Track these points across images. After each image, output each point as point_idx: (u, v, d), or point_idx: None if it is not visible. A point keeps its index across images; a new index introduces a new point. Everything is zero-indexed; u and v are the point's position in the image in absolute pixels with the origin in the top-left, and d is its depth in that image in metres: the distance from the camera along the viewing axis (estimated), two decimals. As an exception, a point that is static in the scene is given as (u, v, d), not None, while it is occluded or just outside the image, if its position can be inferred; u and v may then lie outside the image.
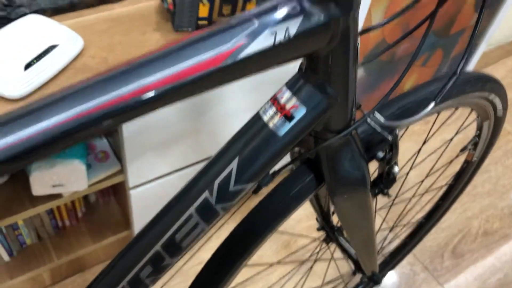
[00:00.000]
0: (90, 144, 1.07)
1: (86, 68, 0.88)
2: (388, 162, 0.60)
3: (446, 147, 0.90)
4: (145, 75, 0.34)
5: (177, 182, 1.16)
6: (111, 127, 0.35)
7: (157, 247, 0.49)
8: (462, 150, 0.97)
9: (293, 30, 0.37)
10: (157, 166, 1.09)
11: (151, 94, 0.34)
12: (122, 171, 1.05)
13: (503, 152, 1.77)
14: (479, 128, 0.93)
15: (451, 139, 0.89)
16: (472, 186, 1.64)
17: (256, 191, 0.52)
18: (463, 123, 0.85)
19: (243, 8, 0.95)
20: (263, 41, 0.36)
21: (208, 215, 0.48)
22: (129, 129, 0.95)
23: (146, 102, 0.34)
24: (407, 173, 0.94)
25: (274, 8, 0.37)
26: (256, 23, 0.37)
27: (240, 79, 0.38)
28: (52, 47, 0.86)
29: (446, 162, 0.95)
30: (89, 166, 1.02)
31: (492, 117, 0.88)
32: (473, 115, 0.87)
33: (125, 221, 1.25)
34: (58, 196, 0.99)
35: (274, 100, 0.47)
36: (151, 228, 0.50)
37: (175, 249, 0.49)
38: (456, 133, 0.88)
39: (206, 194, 0.48)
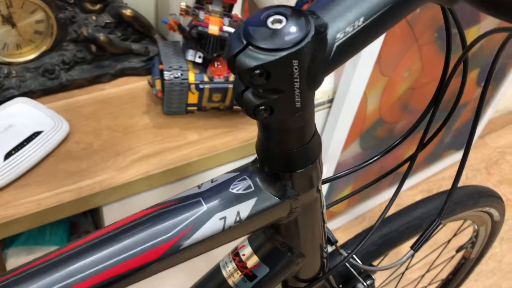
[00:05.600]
0: (75, 223, 1.04)
1: (69, 154, 0.86)
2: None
3: (443, 250, 0.86)
4: (77, 273, 0.31)
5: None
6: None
7: None
8: (458, 250, 0.93)
9: (245, 214, 0.34)
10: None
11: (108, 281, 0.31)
12: (105, 253, 1.02)
13: (509, 226, 1.71)
14: (476, 231, 0.89)
15: (448, 241, 0.84)
16: (475, 262, 1.57)
17: None
18: (458, 229, 0.81)
19: (234, 96, 0.93)
20: (211, 227, 0.33)
21: None
22: (111, 217, 0.92)
23: None
24: (402, 273, 0.89)
25: (225, 188, 0.35)
26: (203, 205, 0.34)
27: (186, 261, 0.35)
28: (36, 134, 0.84)
29: (440, 262, 0.91)
30: (70, 249, 0.99)
31: (488, 222, 0.84)
32: (468, 222, 0.83)
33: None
34: (36, 280, 0.96)
35: (236, 255, 0.43)
36: None
37: None
38: (453, 237, 0.84)
39: None
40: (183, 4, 0.88)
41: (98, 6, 0.96)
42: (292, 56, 0.25)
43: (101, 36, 0.96)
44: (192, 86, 0.89)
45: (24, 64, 0.93)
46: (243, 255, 0.43)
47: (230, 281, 0.43)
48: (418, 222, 0.60)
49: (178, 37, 1.01)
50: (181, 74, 0.89)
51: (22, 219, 0.76)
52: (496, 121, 2.04)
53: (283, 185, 0.35)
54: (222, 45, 0.88)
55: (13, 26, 0.89)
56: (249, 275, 0.43)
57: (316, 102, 1.08)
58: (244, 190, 0.34)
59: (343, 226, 1.65)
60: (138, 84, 1.02)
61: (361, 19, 0.27)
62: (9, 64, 0.92)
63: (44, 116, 0.87)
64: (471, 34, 1.22)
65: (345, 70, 1.02)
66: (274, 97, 0.27)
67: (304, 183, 0.35)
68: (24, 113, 0.87)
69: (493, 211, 0.77)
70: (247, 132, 0.95)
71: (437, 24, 1.10)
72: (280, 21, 0.26)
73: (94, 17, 0.96)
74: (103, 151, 0.88)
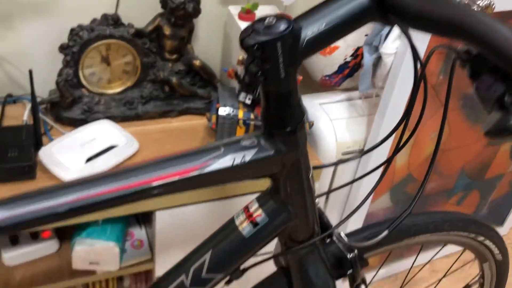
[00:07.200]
0: (130, 231, 1.22)
1: (136, 167, 1.06)
2: (353, 279, 0.68)
3: (439, 281, 0.94)
4: (147, 173, 0.48)
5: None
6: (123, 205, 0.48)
7: None
8: (465, 288, 1.00)
9: (248, 158, 0.51)
10: (183, 261, 1.20)
11: (153, 185, 0.48)
12: (152, 260, 1.18)
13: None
14: (481, 269, 0.97)
15: (445, 275, 0.93)
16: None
17: (228, 282, 0.62)
18: (462, 265, 0.90)
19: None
20: (224, 163, 0.50)
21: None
22: (162, 222, 1.10)
23: (148, 191, 0.48)
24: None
25: (239, 141, 0.52)
26: (222, 149, 0.51)
27: (206, 187, 0.51)
28: (112, 147, 1.05)
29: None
30: (124, 251, 1.16)
31: (491, 259, 0.92)
32: (470, 254, 0.92)
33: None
34: (92, 272, 1.13)
35: (246, 208, 0.59)
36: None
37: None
38: (449, 269, 0.93)
39: (183, 277, 0.59)
40: (240, 56, 1.10)
41: (174, 56, 1.20)
42: (276, 40, 0.43)
43: (174, 80, 1.19)
44: (240, 122, 1.09)
45: (111, 95, 1.17)
46: (251, 208, 0.58)
47: (240, 227, 0.58)
48: (408, 227, 0.72)
49: (235, 85, 1.22)
50: (233, 111, 1.09)
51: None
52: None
53: (277, 142, 0.51)
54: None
55: (108, 64, 1.14)
56: (253, 222, 0.57)
57: (347, 150, 1.23)
58: (250, 144, 0.51)
59: (376, 282, 1.70)
60: (198, 122, 1.22)
61: (323, 25, 0.45)
62: (100, 94, 1.16)
63: (120, 135, 1.09)
64: None
65: (374, 122, 1.17)
66: (267, 67, 0.45)
67: (292, 142, 0.51)
68: (106, 131, 1.09)
69: (489, 243, 0.86)
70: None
71: (461, 92, 1.24)
72: (272, 21, 0.44)
73: (170, 64, 1.20)
74: (163, 167, 1.07)
